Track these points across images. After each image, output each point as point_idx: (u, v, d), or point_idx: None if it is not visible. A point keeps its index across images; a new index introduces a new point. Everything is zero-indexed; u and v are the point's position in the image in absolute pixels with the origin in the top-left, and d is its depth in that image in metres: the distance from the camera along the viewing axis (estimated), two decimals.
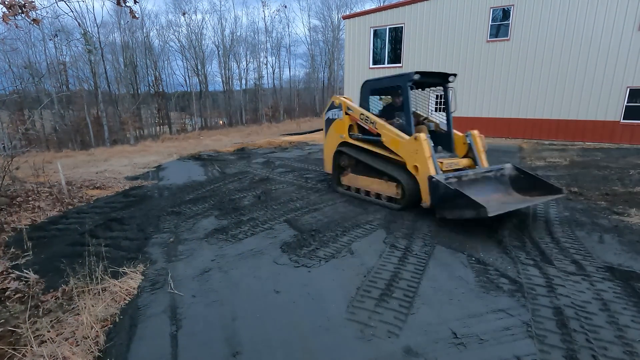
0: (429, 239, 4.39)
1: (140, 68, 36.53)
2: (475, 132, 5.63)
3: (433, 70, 5.40)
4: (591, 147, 12.77)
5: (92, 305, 3.01)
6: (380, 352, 2.46)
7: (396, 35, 17.12)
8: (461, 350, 2.44)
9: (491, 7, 14.62)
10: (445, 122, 6.12)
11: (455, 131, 5.99)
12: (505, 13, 14.49)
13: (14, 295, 3.41)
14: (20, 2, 5.25)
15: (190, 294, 3.30)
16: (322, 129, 20.38)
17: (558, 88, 13.96)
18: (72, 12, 8.03)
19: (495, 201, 4.87)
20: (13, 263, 4.08)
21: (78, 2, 8.50)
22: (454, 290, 3.20)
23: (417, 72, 5.32)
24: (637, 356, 2.33)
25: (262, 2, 52.00)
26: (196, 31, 40.07)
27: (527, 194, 5.08)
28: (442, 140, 6.03)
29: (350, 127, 6.31)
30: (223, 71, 42.10)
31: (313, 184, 7.41)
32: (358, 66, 18.41)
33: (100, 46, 29.99)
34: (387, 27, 17.21)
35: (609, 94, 13.14)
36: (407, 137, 5.28)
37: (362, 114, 6.01)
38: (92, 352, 2.54)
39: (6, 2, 5.14)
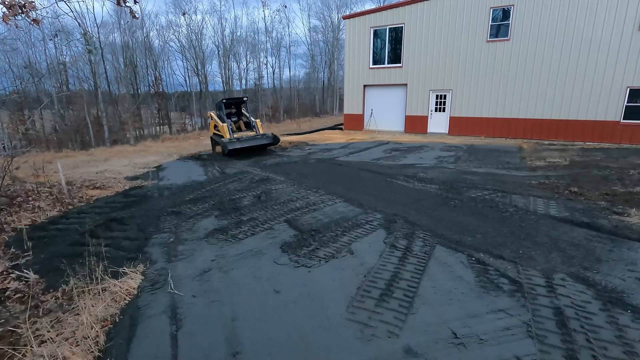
0: (429, 239, 4.39)
1: (140, 68, 36.48)
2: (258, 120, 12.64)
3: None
4: (591, 147, 12.76)
5: (92, 305, 3.01)
6: (380, 352, 2.46)
7: (396, 35, 17.12)
8: (461, 350, 2.44)
9: (491, 7, 14.62)
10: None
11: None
12: (505, 13, 14.48)
13: (14, 295, 3.41)
14: (20, 2, 5.25)
15: (190, 294, 3.30)
16: (322, 129, 20.65)
17: (558, 88, 13.96)
18: (72, 12, 8.01)
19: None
20: (13, 263, 4.09)
21: (78, 2, 8.50)
22: (454, 290, 3.20)
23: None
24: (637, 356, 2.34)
25: (262, 2, 51.95)
26: (196, 31, 39.94)
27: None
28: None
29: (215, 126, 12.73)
30: (223, 71, 42.02)
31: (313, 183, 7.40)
32: (358, 66, 18.42)
33: (100, 46, 29.97)
34: (387, 27, 17.21)
35: (609, 94, 13.14)
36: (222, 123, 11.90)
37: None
38: (92, 352, 2.54)
39: (6, 2, 5.15)
